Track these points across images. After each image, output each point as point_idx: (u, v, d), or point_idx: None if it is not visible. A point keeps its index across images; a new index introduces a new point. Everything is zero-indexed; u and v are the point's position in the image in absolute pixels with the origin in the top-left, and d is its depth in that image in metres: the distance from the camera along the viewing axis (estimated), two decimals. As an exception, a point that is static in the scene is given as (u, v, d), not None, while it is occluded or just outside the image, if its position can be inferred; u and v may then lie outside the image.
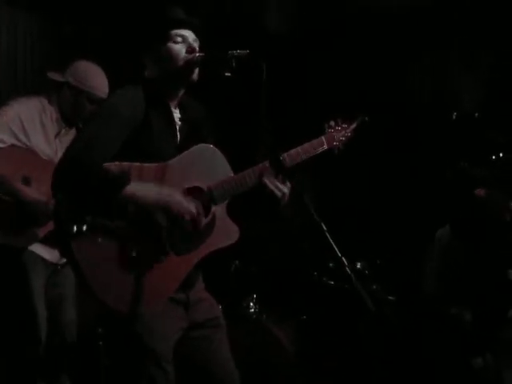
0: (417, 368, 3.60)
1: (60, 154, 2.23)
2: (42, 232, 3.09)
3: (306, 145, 2.43)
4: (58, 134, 3.25)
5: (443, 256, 3.61)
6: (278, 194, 2.30)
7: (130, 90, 2.27)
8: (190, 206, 2.17)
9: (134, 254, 2.11)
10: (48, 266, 3.19)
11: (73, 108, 3.26)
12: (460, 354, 3.27)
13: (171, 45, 2.30)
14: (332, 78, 4.66)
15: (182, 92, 2.39)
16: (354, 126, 2.56)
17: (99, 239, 2.08)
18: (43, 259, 3.16)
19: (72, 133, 3.31)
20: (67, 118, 3.28)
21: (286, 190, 2.31)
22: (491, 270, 3.32)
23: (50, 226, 3.02)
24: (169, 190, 2.16)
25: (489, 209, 3.25)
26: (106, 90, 3.27)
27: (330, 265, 3.82)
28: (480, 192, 3.27)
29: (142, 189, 2.11)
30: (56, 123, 3.26)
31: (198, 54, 2.30)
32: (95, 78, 3.28)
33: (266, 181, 2.30)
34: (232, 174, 2.36)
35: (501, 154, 3.58)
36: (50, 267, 3.21)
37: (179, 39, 2.31)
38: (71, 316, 3.30)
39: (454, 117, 3.96)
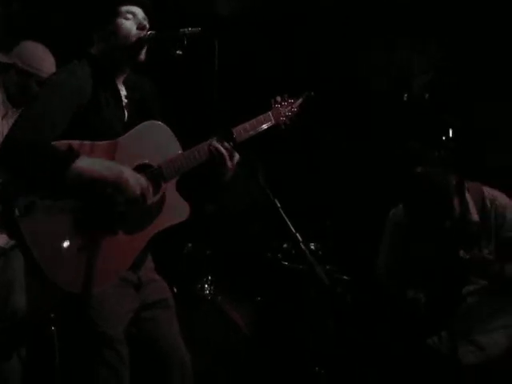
0: (374, 350, 3.66)
1: None
2: None
3: (253, 120, 2.44)
4: (4, 116, 3.18)
5: (395, 236, 3.64)
6: (227, 164, 2.30)
7: (76, 66, 2.24)
8: (141, 181, 2.16)
9: (83, 234, 2.08)
10: (-3, 250, 3.12)
11: (20, 90, 3.20)
12: (416, 335, 3.31)
13: (121, 20, 2.28)
14: (282, 58, 4.67)
15: (128, 69, 2.36)
16: (300, 101, 2.58)
17: (48, 219, 2.03)
18: (-9, 244, 3.10)
19: (20, 114, 3.25)
20: (14, 100, 3.21)
21: (230, 164, 2.31)
22: (443, 249, 3.37)
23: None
24: (119, 166, 2.14)
25: (438, 188, 3.28)
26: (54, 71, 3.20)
27: (285, 245, 3.83)
28: (422, 169, 3.31)
29: (91, 164, 2.08)
30: (2, 105, 3.19)
31: (149, 32, 2.28)
32: (43, 60, 3.21)
33: (214, 149, 2.29)
34: (181, 151, 2.34)
35: (451, 135, 3.63)
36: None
37: (129, 16, 2.29)
38: (21, 300, 3.24)
39: (405, 98, 4.01)
